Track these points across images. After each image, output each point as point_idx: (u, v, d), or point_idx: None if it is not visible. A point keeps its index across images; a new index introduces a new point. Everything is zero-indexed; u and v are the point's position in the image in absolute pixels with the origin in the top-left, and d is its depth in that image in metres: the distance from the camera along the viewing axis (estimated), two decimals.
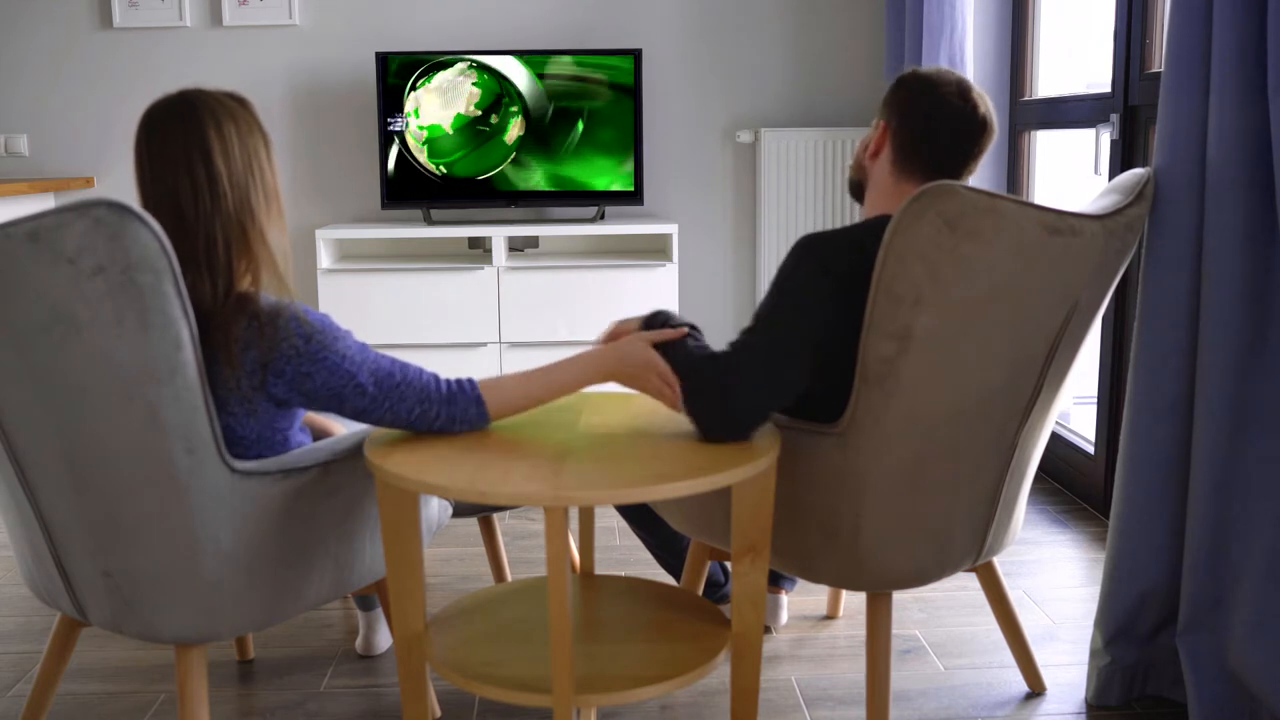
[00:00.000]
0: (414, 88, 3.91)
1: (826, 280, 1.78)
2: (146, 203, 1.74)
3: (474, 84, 3.91)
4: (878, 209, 1.93)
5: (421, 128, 3.92)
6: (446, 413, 1.76)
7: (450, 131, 3.93)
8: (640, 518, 2.35)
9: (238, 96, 1.80)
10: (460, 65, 3.90)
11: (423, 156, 3.94)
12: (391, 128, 3.92)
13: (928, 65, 1.93)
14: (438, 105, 3.92)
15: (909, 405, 1.75)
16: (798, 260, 1.80)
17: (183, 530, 1.69)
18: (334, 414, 1.78)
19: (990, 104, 1.90)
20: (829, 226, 4.12)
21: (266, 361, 1.69)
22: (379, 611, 2.38)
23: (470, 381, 1.78)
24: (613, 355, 1.80)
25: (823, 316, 1.78)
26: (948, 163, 1.88)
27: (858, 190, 2.01)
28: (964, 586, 2.70)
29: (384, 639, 2.39)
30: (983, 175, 3.77)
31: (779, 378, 1.75)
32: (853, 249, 1.80)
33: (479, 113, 3.92)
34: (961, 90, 1.88)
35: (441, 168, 3.95)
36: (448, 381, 1.78)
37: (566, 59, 3.91)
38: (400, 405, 1.75)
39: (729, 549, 2.04)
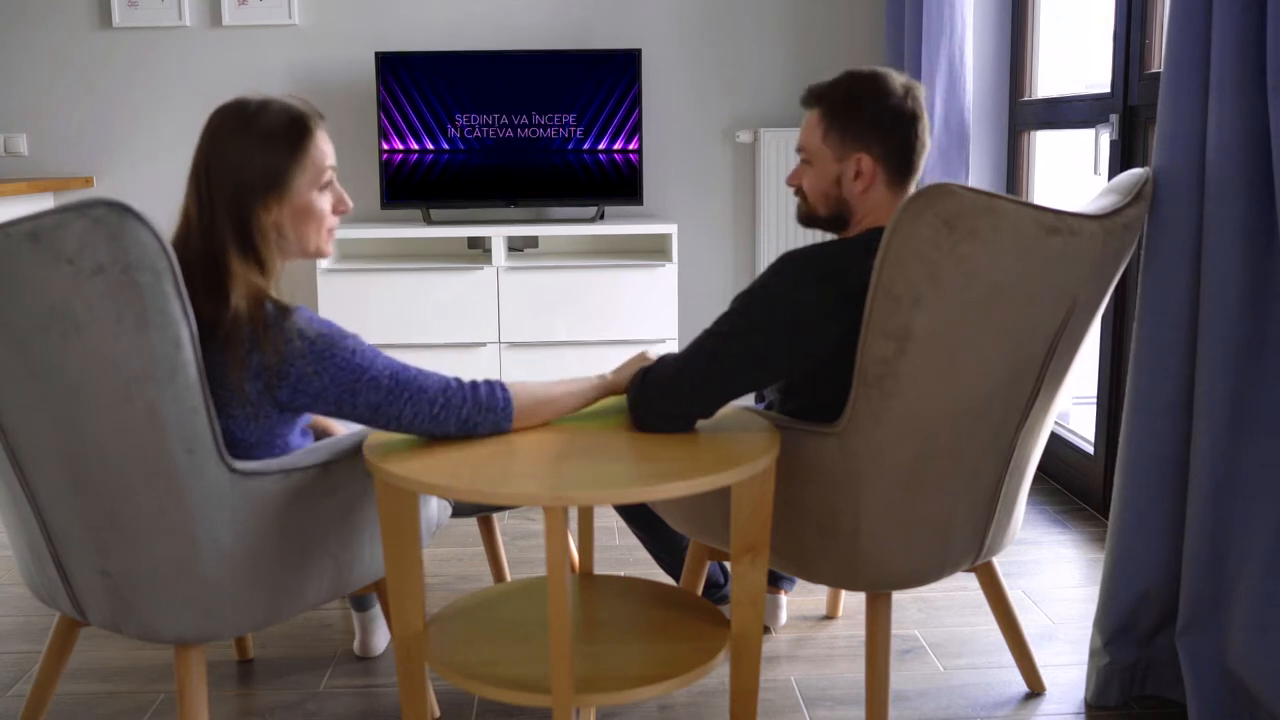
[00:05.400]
0: (413, 87, 3.91)
1: (799, 298, 1.78)
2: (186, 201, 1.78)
3: (473, 84, 3.91)
4: (871, 222, 1.92)
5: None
6: (472, 409, 1.74)
7: (449, 131, 3.93)
8: (639, 518, 2.34)
9: (295, 112, 1.76)
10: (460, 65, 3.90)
11: (421, 155, 3.94)
12: (390, 127, 3.92)
13: (843, 77, 1.93)
14: (437, 105, 3.92)
15: (908, 405, 1.75)
16: (772, 276, 1.81)
17: (182, 530, 1.69)
18: (350, 418, 1.76)
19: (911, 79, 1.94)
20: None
21: (271, 365, 1.69)
22: (375, 612, 2.37)
23: (501, 385, 1.78)
24: (613, 376, 1.93)
25: (783, 335, 1.79)
26: (918, 158, 1.93)
27: (820, 222, 1.97)
28: (963, 587, 2.70)
29: (381, 640, 2.39)
30: (982, 176, 3.77)
31: (700, 397, 1.81)
32: (835, 267, 1.80)
33: (478, 112, 3.92)
34: (900, 85, 1.90)
35: (439, 168, 3.95)
36: (471, 380, 1.77)
37: (566, 59, 3.91)
38: (421, 397, 1.72)
39: (728, 549, 2.04)
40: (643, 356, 1.91)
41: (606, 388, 1.90)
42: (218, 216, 1.73)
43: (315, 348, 1.70)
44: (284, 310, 1.71)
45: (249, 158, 1.73)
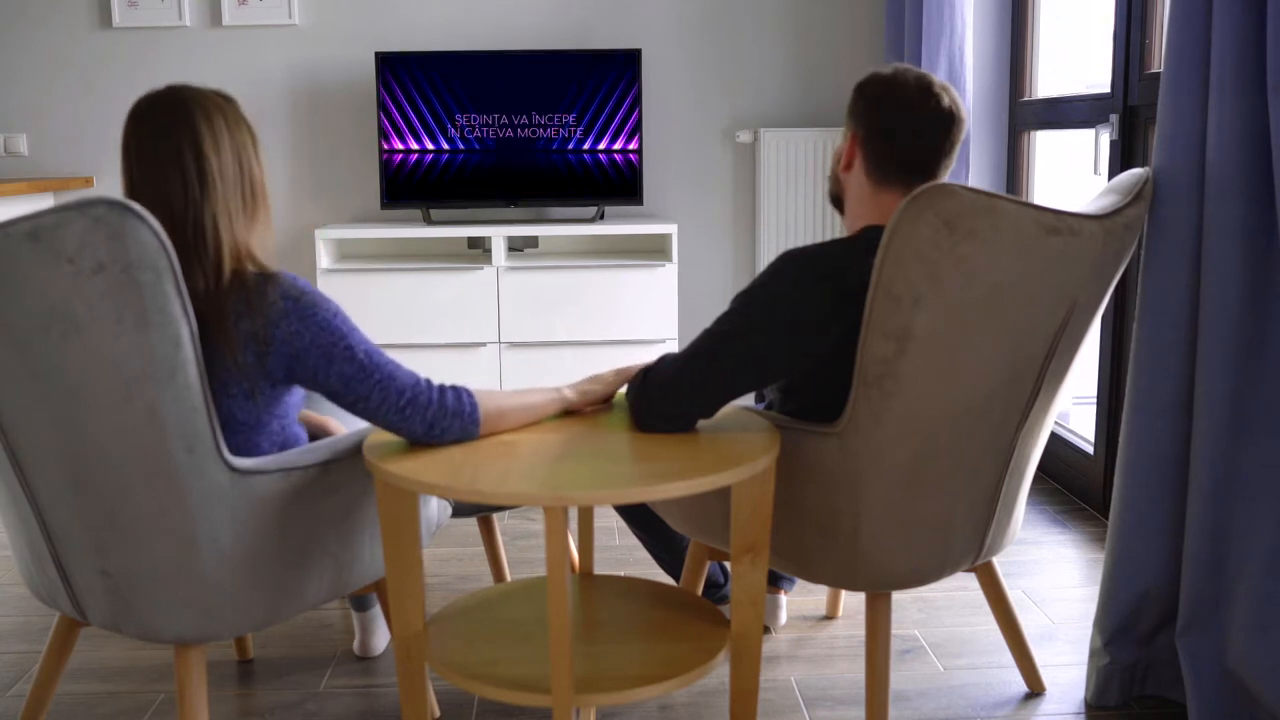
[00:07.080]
0: (413, 87, 3.91)
1: (799, 297, 1.78)
2: (134, 194, 1.75)
3: (473, 84, 3.91)
4: (861, 220, 1.92)
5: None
6: (438, 411, 1.74)
7: (448, 131, 3.93)
8: (639, 518, 2.34)
9: (224, 94, 1.82)
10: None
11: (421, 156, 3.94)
12: (390, 127, 3.92)
13: (889, 66, 1.91)
14: (436, 104, 3.92)
15: (908, 405, 1.75)
16: (772, 275, 1.81)
17: (182, 530, 1.69)
18: (322, 389, 1.76)
19: (955, 94, 1.88)
20: (828, 226, 4.12)
21: (259, 330, 1.70)
22: (375, 612, 2.38)
23: (467, 391, 1.79)
24: (572, 394, 1.95)
25: (783, 335, 1.79)
26: (920, 162, 1.86)
27: (839, 202, 2.00)
28: (963, 586, 2.70)
29: (381, 640, 2.39)
30: (982, 176, 3.77)
31: (700, 397, 1.82)
32: (835, 266, 1.80)
33: (478, 112, 3.92)
34: (921, 87, 1.85)
35: (439, 168, 3.95)
36: (440, 384, 1.78)
37: (566, 59, 3.91)
38: (390, 385, 1.73)
39: (728, 549, 2.04)
40: (598, 378, 1.96)
41: (564, 404, 1.92)
42: (219, 181, 1.75)
43: (299, 306, 1.72)
44: (269, 275, 1.74)
45: (242, 123, 1.80)
